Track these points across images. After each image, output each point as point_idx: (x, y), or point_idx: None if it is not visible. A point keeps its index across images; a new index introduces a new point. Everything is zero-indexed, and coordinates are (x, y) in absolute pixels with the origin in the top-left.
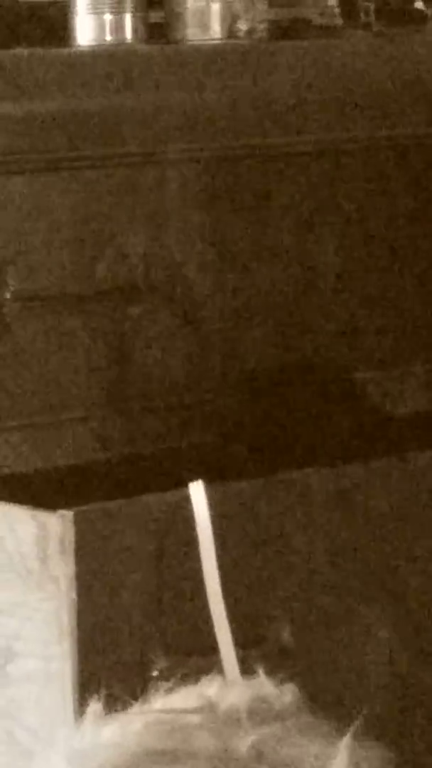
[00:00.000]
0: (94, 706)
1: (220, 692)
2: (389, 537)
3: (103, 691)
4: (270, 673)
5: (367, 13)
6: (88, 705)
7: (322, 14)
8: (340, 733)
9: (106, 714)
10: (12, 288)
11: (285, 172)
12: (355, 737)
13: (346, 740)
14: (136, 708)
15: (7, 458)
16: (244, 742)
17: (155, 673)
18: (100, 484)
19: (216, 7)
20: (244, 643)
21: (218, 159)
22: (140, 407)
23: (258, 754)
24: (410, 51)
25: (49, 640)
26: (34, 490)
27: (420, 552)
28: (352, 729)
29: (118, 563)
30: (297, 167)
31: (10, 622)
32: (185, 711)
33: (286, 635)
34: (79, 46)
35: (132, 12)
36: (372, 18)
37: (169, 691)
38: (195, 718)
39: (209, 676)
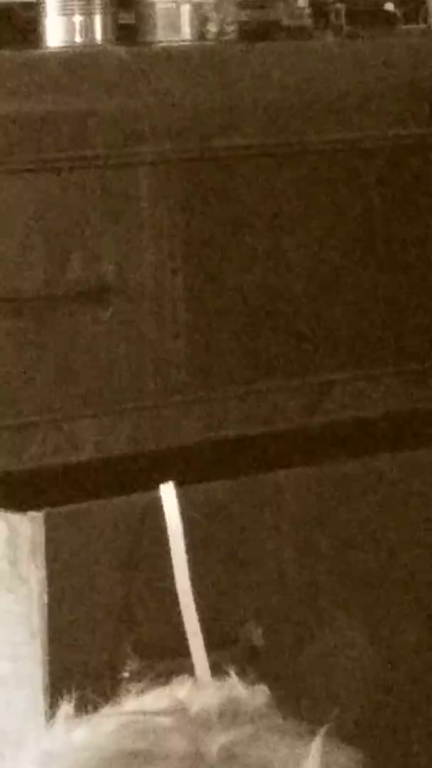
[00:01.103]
0: (65, 708)
1: (191, 694)
2: (361, 539)
3: (74, 693)
4: (241, 674)
5: (337, 15)
6: (58, 707)
7: (292, 16)
8: (312, 735)
9: (77, 716)
10: None
11: (255, 173)
12: (326, 739)
13: (318, 742)
14: (107, 710)
15: None
16: (215, 744)
17: (126, 675)
18: (71, 486)
19: (186, 9)
20: (215, 644)
21: (188, 160)
22: (111, 409)
23: (229, 756)
24: (380, 53)
25: (20, 641)
26: (4, 492)
27: (392, 554)
28: (323, 730)
29: (89, 565)
30: (268, 168)
31: None
32: (156, 712)
33: (257, 636)
34: (49, 47)
35: (102, 13)
36: (342, 20)
37: (141, 692)
38: (166, 720)
39: (180, 678)
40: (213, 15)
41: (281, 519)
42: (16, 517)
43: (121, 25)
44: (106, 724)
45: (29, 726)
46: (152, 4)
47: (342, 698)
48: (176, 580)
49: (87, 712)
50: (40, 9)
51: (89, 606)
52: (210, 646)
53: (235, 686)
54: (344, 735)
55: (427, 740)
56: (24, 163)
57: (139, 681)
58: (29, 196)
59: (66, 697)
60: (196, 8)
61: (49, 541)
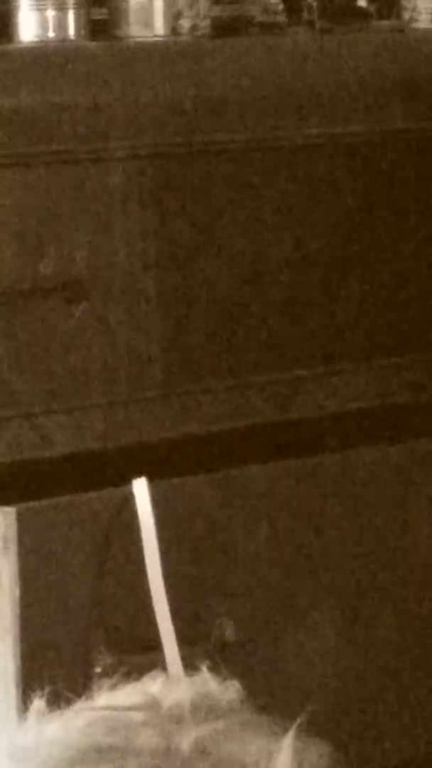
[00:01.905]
0: (37, 703)
1: (163, 689)
2: (334, 534)
3: (47, 688)
4: (213, 669)
5: (310, 11)
6: (30, 702)
7: (265, 11)
8: (284, 730)
9: (49, 711)
10: None
11: (228, 169)
12: (298, 734)
13: (290, 737)
14: (79, 705)
15: None
16: (187, 739)
17: (98, 670)
18: (43, 481)
19: (159, 4)
20: (187, 639)
21: (161, 156)
22: (84, 404)
23: (201, 751)
24: (353, 49)
25: None
26: None
27: (366, 549)
28: (295, 726)
29: (62, 560)
30: (240, 164)
31: None
32: (128, 708)
33: (229, 632)
34: (21, 42)
35: (75, 8)
36: (315, 15)
37: (113, 687)
38: (138, 715)
39: (152, 673)
40: (186, 10)
41: (254, 514)
42: None
43: (94, 20)
44: (78, 720)
45: (1, 721)
46: (125, 0)
47: (314, 694)
48: (149, 576)
49: (59, 707)
50: (13, 3)
51: (62, 601)
52: (182, 641)
53: (207, 682)
54: (316, 730)
55: (400, 735)
56: None
57: (112, 676)
58: (1, 192)
59: (38, 692)
60: (169, 3)
61: (21, 536)
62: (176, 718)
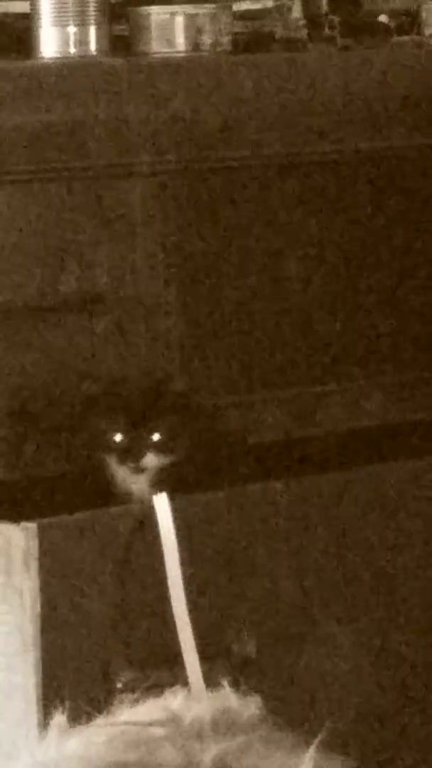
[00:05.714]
0: (58, 719)
1: (184, 704)
2: (354, 550)
3: (68, 704)
4: (234, 685)
5: (331, 27)
6: (52, 717)
7: (286, 27)
8: (305, 745)
9: (70, 726)
10: None
11: (248, 184)
12: (319, 749)
13: (310, 752)
14: (100, 720)
15: None
16: (208, 754)
17: (119, 686)
18: (64, 497)
19: (180, 20)
20: (208, 655)
21: (182, 171)
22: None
23: (222, 766)
24: (374, 64)
25: (13, 652)
26: None
27: (386, 565)
28: (316, 741)
29: (83, 576)
30: (260, 180)
31: None
32: (150, 723)
33: (250, 647)
34: (43, 58)
35: (96, 24)
36: (336, 31)
37: (134, 703)
38: (159, 731)
39: (174, 689)
40: (207, 26)
41: (275, 530)
42: (9, 528)
43: (116, 36)
44: (99, 735)
45: (22, 737)
46: (147, 15)
47: (335, 709)
48: (170, 591)
49: (80, 722)
50: (35, 19)
51: (83, 616)
52: (203, 656)
53: (228, 697)
54: (337, 745)
55: (419, 750)
56: (18, 174)
57: (133, 692)
58: (23, 207)
59: (59, 707)
60: (191, 19)
61: (42, 551)
62: (197, 734)
